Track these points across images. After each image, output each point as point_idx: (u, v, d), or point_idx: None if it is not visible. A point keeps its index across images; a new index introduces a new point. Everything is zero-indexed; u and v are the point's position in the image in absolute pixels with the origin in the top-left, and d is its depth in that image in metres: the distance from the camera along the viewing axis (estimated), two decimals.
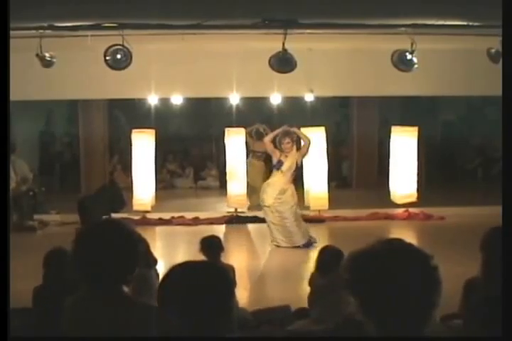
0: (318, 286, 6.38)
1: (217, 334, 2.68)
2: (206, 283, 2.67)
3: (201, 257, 6.54)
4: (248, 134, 14.46)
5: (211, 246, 6.83)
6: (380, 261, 2.31)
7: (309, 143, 11.40)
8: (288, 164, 11.12)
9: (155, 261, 6.43)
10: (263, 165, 14.59)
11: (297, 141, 11.46)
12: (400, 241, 2.43)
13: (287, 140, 11.13)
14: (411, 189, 14.08)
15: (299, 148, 11.45)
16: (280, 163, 11.14)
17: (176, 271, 2.77)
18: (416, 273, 2.29)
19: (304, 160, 13.08)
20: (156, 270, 6.44)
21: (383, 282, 2.27)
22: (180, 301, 2.64)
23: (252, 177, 14.17)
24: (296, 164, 11.24)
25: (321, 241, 10.92)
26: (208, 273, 2.73)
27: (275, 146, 11.17)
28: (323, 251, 6.60)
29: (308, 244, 11.08)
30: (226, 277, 2.78)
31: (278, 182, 11.17)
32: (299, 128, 11.73)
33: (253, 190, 13.73)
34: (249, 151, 14.62)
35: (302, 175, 14.25)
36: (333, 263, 6.28)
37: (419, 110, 18.63)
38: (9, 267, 3.50)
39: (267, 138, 11.39)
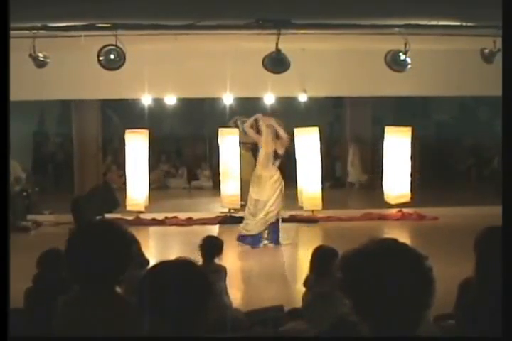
0: (314, 287, 6.38)
1: (196, 334, 2.68)
2: (182, 283, 2.68)
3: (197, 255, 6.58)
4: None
5: (210, 246, 6.86)
6: (374, 260, 2.31)
7: (288, 141, 11.50)
8: (264, 151, 11.22)
9: (147, 262, 6.42)
10: (251, 155, 14.38)
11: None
12: (393, 240, 2.43)
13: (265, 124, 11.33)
14: (404, 189, 14.09)
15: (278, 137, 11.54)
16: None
17: (151, 271, 2.78)
18: (410, 273, 2.29)
19: (298, 160, 13.16)
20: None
21: (377, 282, 2.26)
22: (157, 301, 2.65)
23: (243, 170, 14.04)
24: (276, 152, 11.30)
25: (315, 242, 10.92)
26: (183, 273, 2.74)
27: (257, 132, 11.32)
28: (317, 251, 6.60)
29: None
30: (202, 277, 2.78)
31: (259, 171, 11.29)
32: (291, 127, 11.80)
33: (245, 184, 13.69)
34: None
35: (296, 176, 14.26)
36: (328, 264, 6.29)
37: (412, 110, 18.68)
38: (9, 267, 3.49)
39: (247, 125, 11.51)
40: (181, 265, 2.84)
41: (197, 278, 2.74)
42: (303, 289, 6.61)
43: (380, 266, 2.28)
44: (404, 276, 2.27)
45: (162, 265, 2.80)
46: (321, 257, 6.43)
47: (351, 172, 18.33)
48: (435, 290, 2.33)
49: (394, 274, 2.27)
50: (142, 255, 6.45)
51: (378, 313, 2.28)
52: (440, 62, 13.18)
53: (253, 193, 11.34)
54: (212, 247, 6.87)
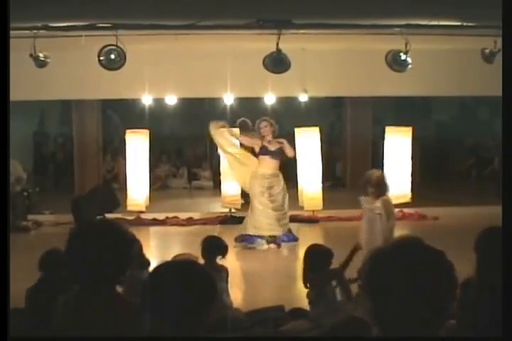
0: (314, 285, 6.42)
1: (200, 333, 2.68)
2: (187, 283, 2.68)
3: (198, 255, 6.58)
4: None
5: (211, 246, 6.87)
6: (400, 261, 2.29)
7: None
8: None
9: (147, 263, 6.42)
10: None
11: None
12: (419, 240, 2.42)
13: (264, 124, 11.49)
14: (405, 189, 14.08)
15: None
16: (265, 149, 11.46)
17: (155, 271, 2.79)
18: (439, 276, 2.28)
19: (298, 160, 13.21)
20: (148, 272, 6.42)
21: (402, 282, 2.25)
22: (160, 300, 2.65)
23: None
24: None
25: (316, 242, 10.89)
26: (189, 274, 2.74)
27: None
28: (310, 251, 6.65)
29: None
30: (208, 278, 2.78)
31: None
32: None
33: None
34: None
35: (296, 176, 14.26)
36: (323, 262, 6.35)
37: (412, 110, 18.67)
38: (9, 267, 3.49)
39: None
40: (186, 265, 2.85)
41: (202, 278, 2.75)
42: (303, 289, 6.62)
43: (405, 267, 2.27)
44: (429, 278, 2.26)
45: (166, 265, 2.81)
46: (315, 256, 6.49)
47: None
48: (456, 295, 2.33)
49: (419, 275, 2.25)
50: (143, 256, 6.45)
51: (402, 314, 2.26)
52: (441, 62, 13.18)
53: None
54: (213, 247, 6.87)
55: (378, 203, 7.54)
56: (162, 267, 2.81)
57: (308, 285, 6.57)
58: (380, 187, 7.62)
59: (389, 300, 2.27)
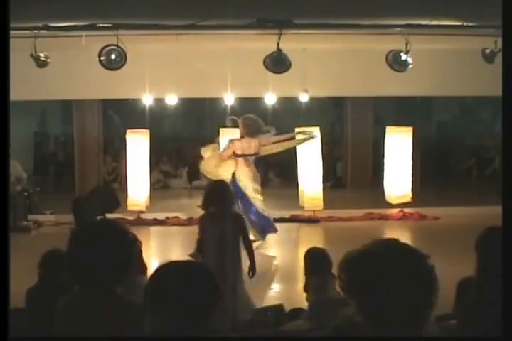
0: (313, 286, 6.41)
1: (203, 334, 2.68)
2: (190, 283, 2.68)
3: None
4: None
5: None
6: (376, 261, 2.31)
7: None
8: None
9: (145, 269, 6.33)
10: None
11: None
12: (395, 241, 2.43)
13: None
14: (405, 189, 14.08)
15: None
16: None
17: (159, 271, 2.79)
18: (413, 273, 2.29)
19: (299, 160, 13.17)
20: (146, 277, 6.34)
21: (380, 282, 2.26)
22: (164, 301, 2.65)
23: None
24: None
25: (316, 242, 10.91)
26: (192, 273, 2.74)
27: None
28: (309, 253, 6.65)
29: None
30: (211, 277, 2.78)
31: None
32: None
33: None
34: None
35: (297, 176, 14.26)
36: (320, 264, 6.35)
37: (413, 110, 18.66)
38: (9, 267, 3.49)
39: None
40: (189, 265, 2.85)
41: (206, 278, 2.75)
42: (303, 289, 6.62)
43: (383, 266, 2.28)
44: (407, 276, 2.27)
45: (169, 265, 2.80)
46: (312, 259, 6.48)
47: None
48: (438, 288, 2.33)
49: (397, 274, 2.27)
50: (142, 261, 6.32)
51: (382, 313, 2.27)
52: (441, 62, 13.18)
53: None
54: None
55: (227, 220, 6.70)
56: (165, 267, 2.80)
57: (307, 287, 6.57)
58: (215, 200, 6.88)
59: (368, 300, 2.29)
